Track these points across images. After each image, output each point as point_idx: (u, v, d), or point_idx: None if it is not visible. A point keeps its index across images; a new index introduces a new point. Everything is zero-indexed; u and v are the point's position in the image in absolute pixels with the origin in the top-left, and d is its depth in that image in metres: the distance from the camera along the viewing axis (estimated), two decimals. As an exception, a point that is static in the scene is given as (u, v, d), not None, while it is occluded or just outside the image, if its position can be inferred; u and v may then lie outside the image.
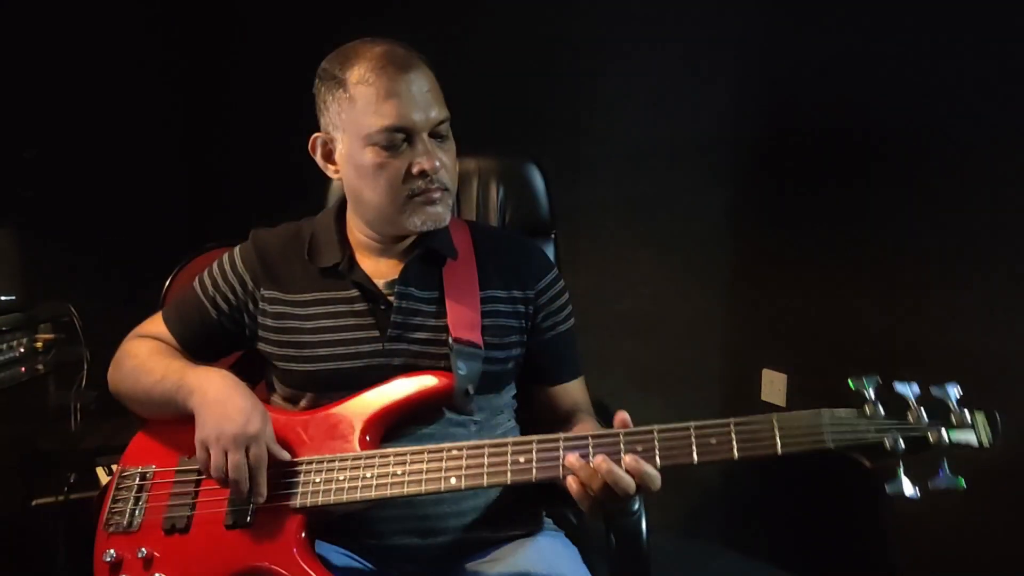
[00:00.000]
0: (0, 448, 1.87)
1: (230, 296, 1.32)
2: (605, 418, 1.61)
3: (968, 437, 0.99)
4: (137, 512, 1.21)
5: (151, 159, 2.69)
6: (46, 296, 1.98)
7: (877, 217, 2.13)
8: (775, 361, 2.42)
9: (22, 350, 1.86)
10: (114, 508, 1.22)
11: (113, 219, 2.39)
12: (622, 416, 1.09)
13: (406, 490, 1.12)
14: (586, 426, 1.28)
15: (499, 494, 1.28)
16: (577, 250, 2.64)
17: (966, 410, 1.00)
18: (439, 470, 1.12)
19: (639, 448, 1.05)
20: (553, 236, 1.69)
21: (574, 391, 1.36)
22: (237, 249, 1.35)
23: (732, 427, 1.04)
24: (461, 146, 1.80)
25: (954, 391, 1.01)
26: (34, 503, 1.70)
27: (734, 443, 1.03)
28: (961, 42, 1.92)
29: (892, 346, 2.13)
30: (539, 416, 1.37)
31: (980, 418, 1.00)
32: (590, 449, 1.08)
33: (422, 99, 1.20)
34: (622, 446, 1.07)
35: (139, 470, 1.25)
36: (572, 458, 1.06)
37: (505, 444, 1.12)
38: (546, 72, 2.64)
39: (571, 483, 1.06)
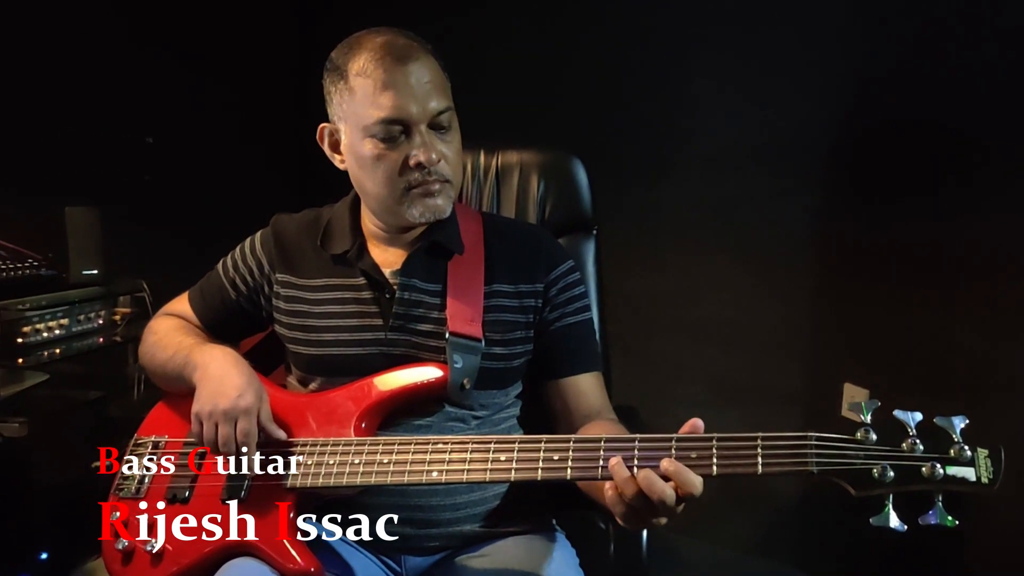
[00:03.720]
0: (74, 413, 2.00)
1: (248, 278, 1.36)
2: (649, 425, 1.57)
3: (966, 473, 0.91)
4: (145, 479, 1.27)
5: (259, 150, 2.80)
6: (126, 272, 2.09)
7: (976, 231, 1.97)
8: (858, 376, 2.30)
9: (100, 321, 1.98)
10: (125, 474, 1.28)
11: (203, 204, 2.50)
12: (695, 423, 1.03)
13: (389, 479, 1.13)
14: (597, 428, 1.24)
15: (497, 490, 1.27)
16: (657, 250, 2.60)
17: (967, 445, 0.91)
18: (423, 463, 1.12)
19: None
20: (595, 232, 1.64)
21: (585, 386, 1.31)
22: (259, 233, 1.39)
23: (714, 442, 1.00)
24: (533, 139, 1.79)
25: (960, 423, 0.93)
26: (93, 465, 1.79)
27: (714, 459, 0.99)
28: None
29: (985, 372, 1.97)
30: (554, 415, 1.33)
31: (983, 454, 0.91)
32: (570, 452, 1.06)
33: (420, 90, 1.19)
34: (602, 452, 1.04)
35: (152, 439, 1.31)
36: (613, 461, 1.01)
37: (488, 442, 1.11)
38: (632, 70, 2.59)
39: (608, 489, 1.02)
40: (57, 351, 1.82)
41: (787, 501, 2.48)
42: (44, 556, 1.88)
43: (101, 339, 1.98)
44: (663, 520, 1.00)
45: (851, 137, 2.23)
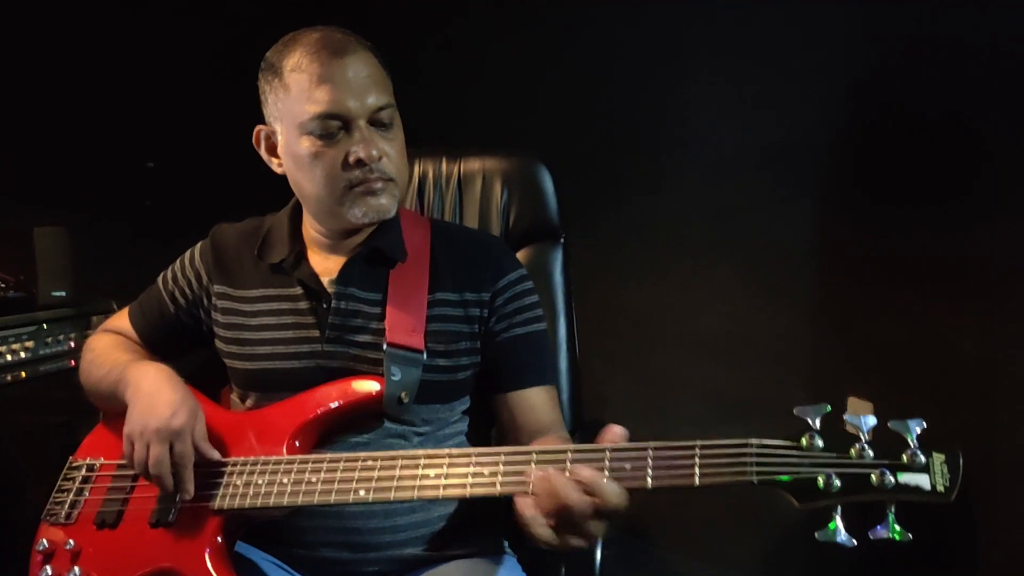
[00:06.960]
0: (45, 434, 1.96)
1: (187, 291, 1.31)
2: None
3: (919, 480, 0.82)
4: (76, 504, 1.21)
5: (238, 168, 2.77)
6: (98, 292, 2.05)
7: (981, 239, 1.90)
8: (862, 389, 2.19)
9: (71, 343, 1.94)
10: (56, 499, 1.23)
11: (177, 223, 2.47)
12: (613, 431, 0.94)
13: (316, 499, 1.06)
14: (547, 443, 1.16)
15: (442, 511, 1.20)
16: (655, 262, 2.52)
17: (920, 450, 0.82)
18: (350, 480, 1.05)
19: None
20: (562, 240, 1.57)
21: (535, 400, 1.23)
22: (198, 244, 1.34)
23: (650, 452, 0.92)
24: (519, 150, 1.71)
25: (916, 427, 0.84)
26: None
27: (649, 471, 0.91)
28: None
29: (993, 380, 1.89)
30: (503, 431, 1.25)
31: (938, 459, 0.82)
32: (500, 466, 0.99)
33: (358, 84, 1.14)
34: (533, 465, 0.97)
35: (87, 462, 1.26)
36: (536, 474, 0.93)
37: (419, 457, 1.03)
38: (624, 76, 2.53)
39: (524, 505, 0.94)
40: (22, 374, 1.79)
41: (793, 517, 2.38)
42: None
43: (72, 361, 1.94)
44: (580, 541, 0.90)
45: (853, 143, 2.15)
